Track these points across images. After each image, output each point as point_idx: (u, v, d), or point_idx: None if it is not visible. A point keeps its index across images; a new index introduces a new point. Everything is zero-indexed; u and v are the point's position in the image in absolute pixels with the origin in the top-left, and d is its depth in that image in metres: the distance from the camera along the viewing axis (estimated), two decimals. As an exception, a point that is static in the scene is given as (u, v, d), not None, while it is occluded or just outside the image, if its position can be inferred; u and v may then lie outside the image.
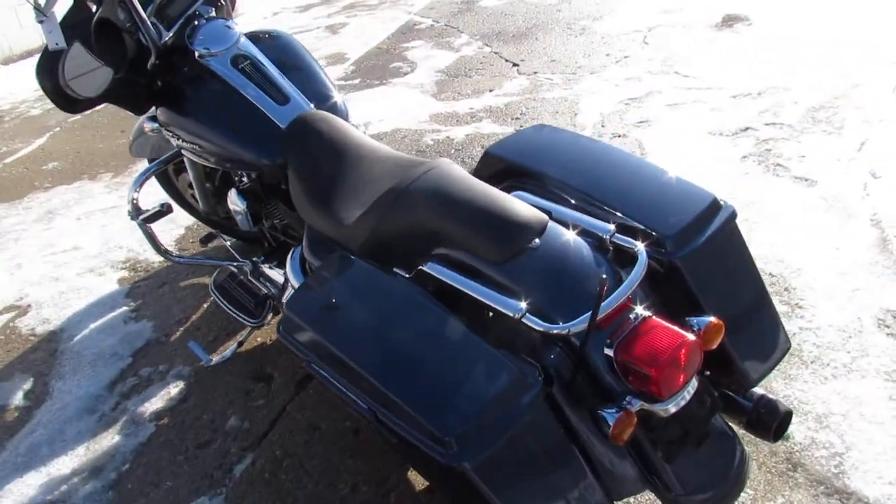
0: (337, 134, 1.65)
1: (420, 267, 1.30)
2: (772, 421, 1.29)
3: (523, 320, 1.13)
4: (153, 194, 2.30)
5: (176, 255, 2.11)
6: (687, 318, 1.19)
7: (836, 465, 1.53)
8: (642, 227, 1.26)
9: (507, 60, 4.40)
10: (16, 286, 2.60)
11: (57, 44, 1.47)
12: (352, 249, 1.42)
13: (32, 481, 1.75)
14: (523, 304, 1.14)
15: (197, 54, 1.75)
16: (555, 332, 1.10)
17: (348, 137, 1.64)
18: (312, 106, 1.74)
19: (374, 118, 3.75)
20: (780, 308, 1.97)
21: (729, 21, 4.44)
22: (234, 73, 1.73)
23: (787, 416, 1.30)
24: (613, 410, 1.10)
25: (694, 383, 1.15)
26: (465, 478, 1.01)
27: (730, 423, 1.29)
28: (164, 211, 1.95)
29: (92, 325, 2.31)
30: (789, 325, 1.93)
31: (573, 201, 1.35)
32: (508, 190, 1.42)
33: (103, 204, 3.13)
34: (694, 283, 1.24)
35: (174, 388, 2.00)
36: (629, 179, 1.37)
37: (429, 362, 1.11)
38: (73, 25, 1.62)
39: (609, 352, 1.13)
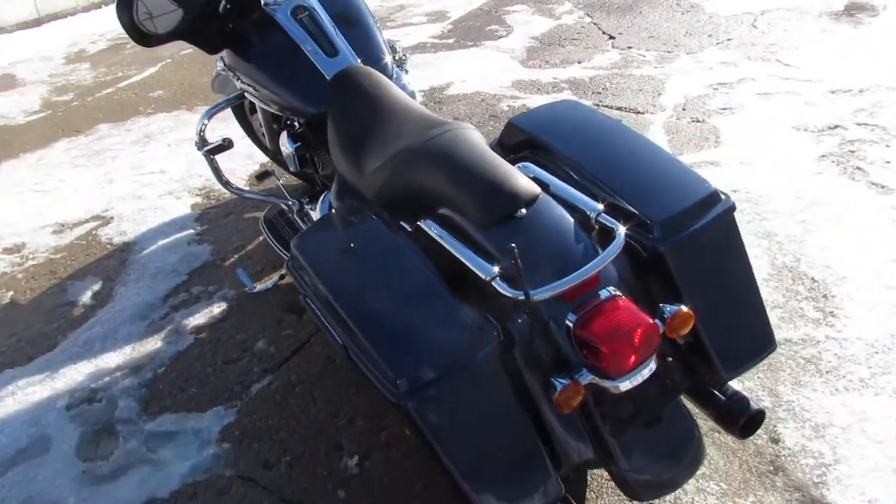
0: (376, 89, 1.72)
1: (419, 223, 1.37)
2: (739, 417, 1.29)
3: (493, 283, 1.18)
4: (230, 129, 2.48)
5: (236, 187, 2.27)
6: (661, 305, 1.21)
7: (820, 476, 1.50)
8: (633, 211, 1.27)
9: (604, 33, 4.32)
10: (105, 199, 2.87)
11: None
12: (368, 199, 1.51)
13: (83, 369, 1.98)
14: (496, 269, 1.20)
15: (263, 2, 1.87)
16: (519, 297, 1.15)
17: (386, 94, 1.72)
18: (360, 61, 1.82)
19: (457, 79, 3.80)
20: (811, 315, 1.91)
21: (852, 10, 4.14)
22: (292, 22, 1.83)
23: (757, 416, 1.30)
24: (564, 380, 1.15)
25: (652, 366, 1.17)
26: (410, 417, 1.10)
27: (691, 411, 1.30)
28: (224, 145, 2.11)
29: (160, 242, 2.54)
30: (815, 333, 1.87)
31: (576, 178, 1.38)
32: (518, 161, 1.46)
33: (194, 134, 3.37)
34: (677, 272, 1.25)
35: (217, 308, 2.18)
36: (635, 163, 1.38)
37: (397, 310, 1.19)
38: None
39: (570, 324, 1.17)
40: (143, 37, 1.80)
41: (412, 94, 2.02)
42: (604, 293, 1.19)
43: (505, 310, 1.22)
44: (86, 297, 2.29)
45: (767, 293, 2.02)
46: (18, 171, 3.18)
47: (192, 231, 2.61)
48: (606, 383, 1.15)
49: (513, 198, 1.26)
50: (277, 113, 1.92)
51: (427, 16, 5.05)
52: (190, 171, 3.02)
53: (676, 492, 1.50)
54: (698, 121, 3.09)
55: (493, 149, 1.57)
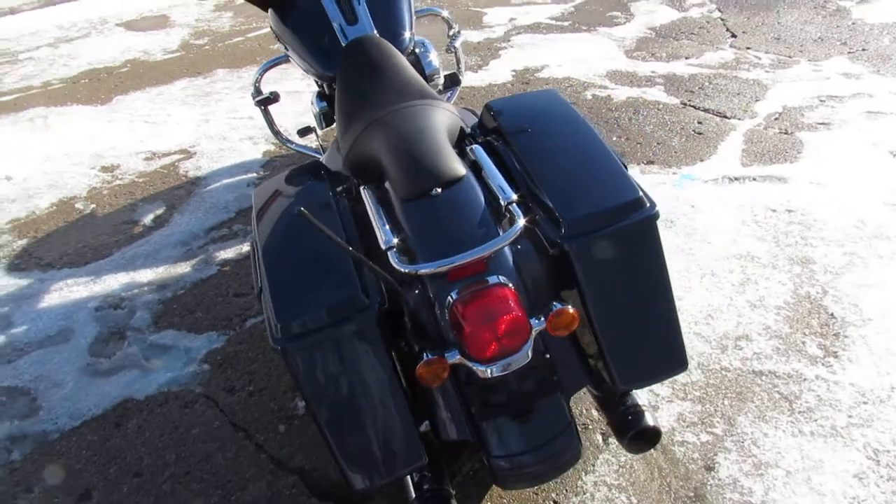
0: (380, 59, 1.79)
1: (361, 189, 1.45)
2: (627, 431, 1.27)
3: (388, 253, 1.24)
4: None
5: (284, 137, 2.45)
6: (553, 303, 1.21)
7: (736, 513, 1.43)
8: (549, 206, 1.27)
9: (727, 30, 4.07)
10: (196, 136, 3.18)
11: None
12: (341, 162, 1.61)
13: (120, 279, 2.26)
14: (395, 240, 1.25)
15: None
16: (404, 270, 1.20)
17: (388, 64, 1.78)
18: (376, 32, 1.89)
19: (553, 63, 3.76)
20: (811, 351, 1.79)
21: None
22: (326, -10, 1.94)
23: (649, 433, 1.27)
24: (433, 355, 1.19)
25: (523, 358, 1.18)
26: (284, 361, 1.19)
27: (572, 411, 1.30)
28: (271, 98, 2.29)
29: (225, 181, 2.79)
30: (806, 370, 1.74)
31: (516, 168, 1.39)
32: (471, 143, 1.48)
33: (292, 87, 3.61)
34: (581, 273, 1.24)
35: (247, 247, 2.39)
36: (573, 160, 1.36)
37: (299, 263, 1.27)
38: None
39: (450, 302, 1.20)
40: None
41: (435, 71, 2.07)
42: (492, 279, 1.21)
43: (403, 280, 1.28)
44: (147, 219, 2.58)
45: (773, 321, 1.90)
46: (139, 101, 3.58)
47: (255, 175, 2.84)
48: (474, 366, 1.18)
49: (431, 176, 1.30)
50: (304, 72, 2.05)
51: (555, -5, 4.99)
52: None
53: (581, 496, 1.49)
54: (786, 132, 2.88)
55: (473, 129, 1.61)
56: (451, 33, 2.48)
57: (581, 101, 3.29)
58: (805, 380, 1.72)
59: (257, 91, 2.30)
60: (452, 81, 2.45)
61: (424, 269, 1.18)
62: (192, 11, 5.01)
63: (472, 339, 1.14)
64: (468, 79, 3.65)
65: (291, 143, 2.49)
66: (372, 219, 1.33)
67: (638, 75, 3.54)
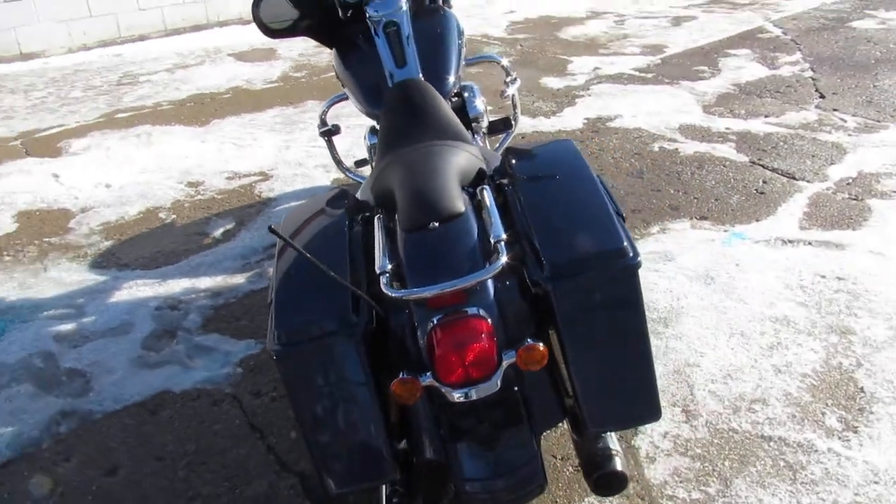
0: (420, 102, 1.92)
1: (374, 217, 1.56)
2: (593, 471, 1.30)
3: (381, 277, 1.34)
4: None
5: (345, 167, 2.62)
6: (526, 338, 1.27)
7: (710, 572, 1.41)
8: (537, 247, 1.34)
9: (816, 90, 3.98)
10: (275, 160, 3.43)
11: None
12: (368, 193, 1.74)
13: (182, 284, 2.47)
14: (389, 266, 1.35)
15: (367, 16, 2.17)
16: (391, 294, 1.29)
17: (427, 107, 1.90)
18: (421, 75, 2.03)
19: (627, 113, 3.79)
20: (829, 423, 1.74)
21: None
22: (381, 34, 2.10)
23: (615, 477, 1.29)
24: (409, 375, 1.27)
25: (492, 387, 1.24)
26: (277, 368, 1.31)
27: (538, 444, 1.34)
28: (333, 130, 2.47)
29: (293, 204, 3.00)
30: (820, 442, 1.69)
31: (517, 209, 1.46)
32: (481, 184, 1.57)
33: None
34: (559, 313, 1.29)
35: (299, 265, 2.55)
36: (570, 207, 1.42)
37: (304, 278, 1.40)
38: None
39: (428, 328, 1.29)
40: (267, 30, 2.20)
41: (479, 115, 2.18)
42: (471, 310, 1.28)
43: (396, 304, 1.37)
44: (217, 232, 2.81)
45: (795, 388, 1.85)
46: (232, 125, 3.90)
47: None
48: (444, 389, 1.25)
49: (430, 211, 1.39)
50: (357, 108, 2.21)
51: (643, 48, 5.03)
52: (348, 152, 3.46)
53: (557, 533, 1.52)
54: (855, 198, 2.78)
55: (495, 171, 1.70)
56: (507, 80, 2.59)
57: (646, 152, 3.31)
58: (816, 451, 1.67)
59: (322, 123, 2.49)
60: (504, 126, 2.55)
61: (407, 295, 1.28)
62: (298, 47, 5.39)
63: (441, 362, 1.22)
64: (539, 123, 3.74)
65: (350, 172, 2.66)
66: (375, 245, 1.44)
67: (711, 131, 3.52)
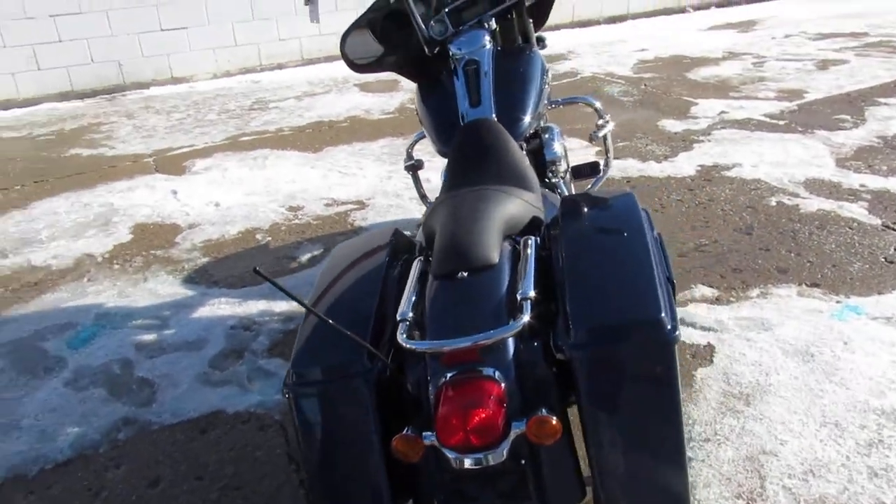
0: (487, 143, 1.86)
1: (414, 260, 1.52)
2: None
3: (399, 325, 1.29)
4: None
5: (428, 201, 2.61)
6: (541, 408, 1.17)
7: None
8: (567, 309, 1.24)
9: (977, 148, 3.52)
10: (374, 190, 3.48)
11: (314, 21, 2.05)
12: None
13: (260, 306, 2.54)
14: (411, 314, 1.30)
15: (451, 54, 2.15)
16: (404, 345, 1.23)
17: (493, 149, 1.84)
18: (494, 116, 1.97)
19: (748, 162, 3.53)
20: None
21: None
22: (460, 73, 2.07)
23: None
24: (413, 432, 1.21)
25: (497, 457, 1.15)
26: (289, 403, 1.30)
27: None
28: (416, 164, 2.47)
29: (381, 234, 3.02)
30: (911, 566, 1.44)
31: (558, 264, 1.36)
32: (532, 234, 1.48)
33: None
34: (582, 384, 1.18)
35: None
36: (611, 266, 1.30)
37: (331, 317, 1.37)
38: (372, 10, 2.19)
39: (439, 383, 1.22)
40: (353, 65, 2.23)
41: (556, 158, 2.09)
42: (486, 371, 1.20)
43: (414, 354, 1.31)
44: (305, 257, 2.88)
45: (892, 498, 1.59)
46: (342, 153, 4.02)
47: (408, 232, 3.02)
48: (444, 451, 1.17)
49: (461, 259, 1.33)
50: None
51: (779, 92, 4.69)
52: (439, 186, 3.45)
53: None
54: None
55: (552, 220, 1.61)
56: (599, 122, 2.48)
57: (761, 206, 3.04)
58: (904, 576, 1.42)
59: (408, 156, 2.50)
60: (592, 170, 2.44)
61: (418, 347, 1.21)
62: (421, 78, 5.50)
63: (442, 423, 1.14)
64: (648, 167, 3.55)
65: (433, 204, 2.64)
66: (406, 289, 1.40)
67: (842, 187, 3.18)
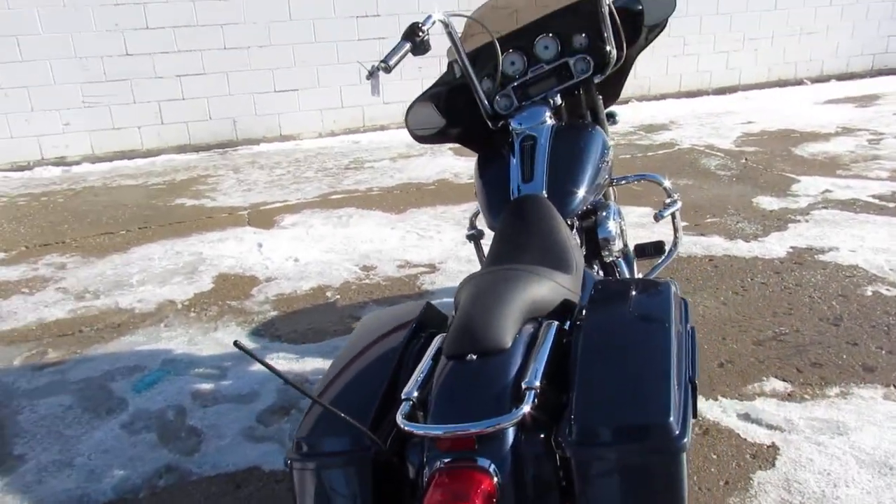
0: (531, 220, 1.84)
1: (438, 336, 1.49)
2: None
3: (403, 404, 1.27)
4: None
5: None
6: None
7: None
8: (572, 403, 1.17)
9: None
10: (447, 254, 3.50)
11: (375, 94, 2.11)
12: None
13: (316, 363, 2.57)
14: (416, 393, 1.28)
15: (511, 128, 2.15)
16: (402, 425, 1.21)
17: (536, 227, 1.81)
18: (544, 192, 1.94)
19: (844, 246, 3.28)
20: None
21: None
22: (517, 148, 2.07)
23: None
24: (401, 513, 1.17)
25: (478, 556, 1.09)
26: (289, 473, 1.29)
27: None
28: (478, 234, 2.47)
29: (445, 299, 3.02)
30: None
31: (577, 353, 1.30)
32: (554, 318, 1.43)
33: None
34: (579, 486, 1.11)
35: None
36: (627, 364, 1.23)
37: (341, 392, 1.37)
38: (438, 84, 2.25)
39: (433, 469, 1.17)
40: (417, 136, 2.28)
41: (609, 238, 2.02)
42: (482, 462, 1.15)
43: (414, 436, 1.28)
44: (367, 313, 2.91)
45: None
46: (424, 216, 4.09)
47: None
48: (426, 541, 1.13)
49: (471, 341, 1.29)
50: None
51: (894, 172, 4.37)
52: (519, 254, 3.42)
53: None
54: None
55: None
56: (667, 201, 2.39)
57: (855, 295, 2.81)
58: None
59: (471, 225, 2.50)
60: (655, 250, 2.35)
61: (415, 430, 1.18)
62: (514, 144, 5.55)
63: (422, 513, 1.10)
64: (734, 247, 3.37)
65: (493, 274, 2.62)
66: (417, 367, 1.37)
67: (953, 280, 2.89)
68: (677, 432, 1.09)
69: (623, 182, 2.47)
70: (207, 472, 2.05)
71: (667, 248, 2.39)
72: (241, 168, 5.34)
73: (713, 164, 4.84)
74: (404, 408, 1.23)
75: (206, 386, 2.46)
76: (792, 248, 3.32)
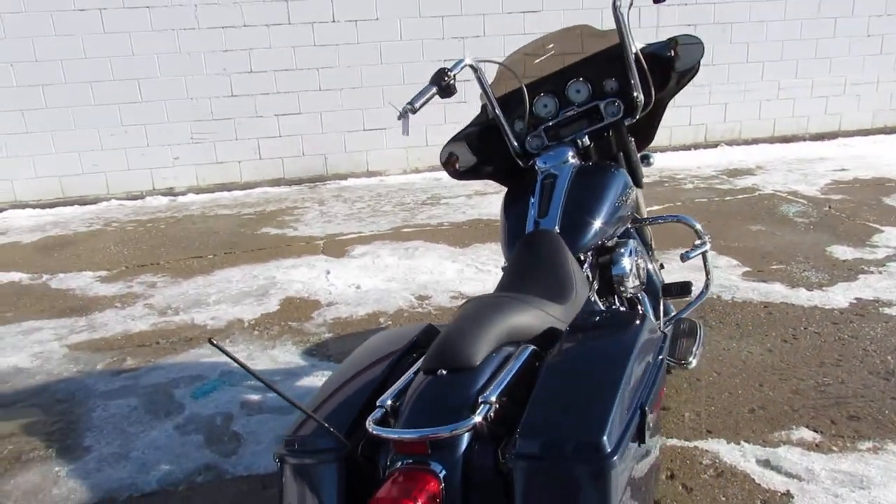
0: (539, 254, 1.93)
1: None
2: None
3: (375, 410, 1.39)
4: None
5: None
6: None
7: None
8: (521, 419, 1.26)
9: None
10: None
11: (405, 134, 2.26)
12: None
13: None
14: (389, 402, 1.40)
15: (537, 167, 2.26)
16: (368, 428, 1.33)
17: (542, 261, 1.90)
18: (557, 228, 2.03)
19: (890, 295, 3.12)
20: None
21: None
22: (539, 184, 2.17)
23: None
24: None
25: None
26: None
27: None
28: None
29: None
30: None
31: (539, 376, 1.39)
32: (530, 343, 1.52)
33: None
34: (517, 497, 1.19)
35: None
36: (580, 387, 1.32)
37: (334, 396, 1.51)
38: (471, 125, 2.40)
39: (390, 471, 1.29)
40: (451, 173, 2.43)
41: (623, 275, 2.07)
42: (434, 466, 1.26)
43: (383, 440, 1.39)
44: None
45: None
46: (486, 250, 4.21)
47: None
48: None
49: (444, 358, 1.41)
50: None
51: None
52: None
53: None
54: None
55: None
56: (696, 243, 2.41)
57: (913, 350, 2.68)
58: None
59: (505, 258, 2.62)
60: (682, 291, 2.37)
61: (379, 433, 1.31)
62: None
63: (373, 504, 1.21)
64: (794, 295, 3.29)
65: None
66: (399, 379, 1.50)
67: None
68: (608, 451, 1.16)
69: (660, 221, 2.51)
70: (241, 472, 2.24)
71: (696, 289, 2.40)
72: (326, 201, 5.68)
73: (792, 210, 4.70)
74: (375, 414, 1.36)
75: (254, 397, 2.68)
76: (856, 299, 3.19)
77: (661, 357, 1.50)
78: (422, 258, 4.14)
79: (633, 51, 2.22)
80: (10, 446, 2.45)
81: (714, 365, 2.69)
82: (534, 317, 1.60)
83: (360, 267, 4.06)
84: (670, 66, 2.27)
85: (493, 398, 1.31)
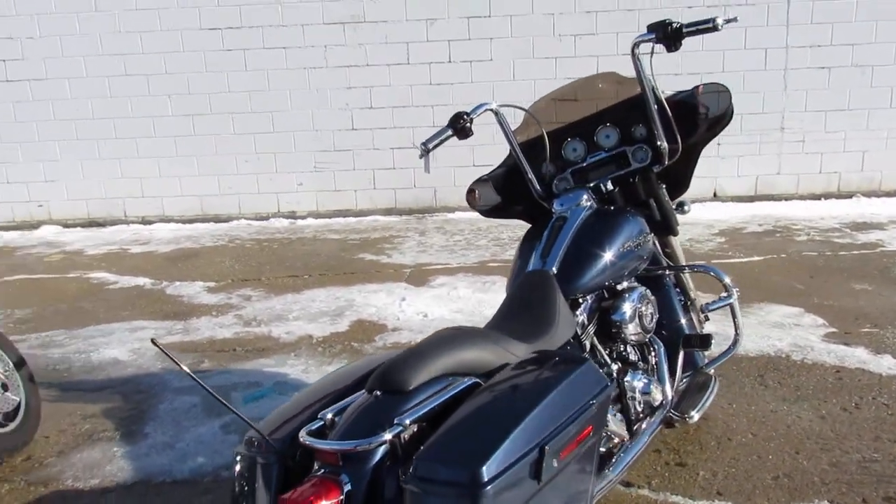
0: (529, 294, 1.98)
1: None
2: None
3: (314, 422, 1.51)
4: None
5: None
6: None
7: None
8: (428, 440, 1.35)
9: None
10: (560, 328, 3.60)
11: (427, 172, 2.37)
12: None
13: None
14: (329, 416, 1.52)
15: (553, 206, 2.31)
16: (300, 438, 1.45)
17: (530, 301, 1.96)
18: (554, 269, 2.06)
19: None
20: None
21: None
22: (550, 226, 2.21)
23: None
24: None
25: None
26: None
27: None
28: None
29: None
30: None
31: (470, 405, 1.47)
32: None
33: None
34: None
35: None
36: (490, 416, 1.38)
37: (308, 403, 1.64)
38: (499, 166, 2.49)
39: (309, 476, 1.41)
40: (474, 208, 2.53)
41: (623, 321, 2.06)
42: (343, 478, 1.36)
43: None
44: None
45: None
46: (560, 291, 4.21)
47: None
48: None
49: (382, 380, 1.51)
50: None
51: None
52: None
53: None
54: None
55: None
56: (722, 295, 2.35)
57: None
58: None
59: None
60: (701, 343, 2.30)
61: (304, 441, 1.44)
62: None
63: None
64: (873, 362, 3.02)
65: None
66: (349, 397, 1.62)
67: None
68: (483, 481, 1.22)
69: (686, 271, 2.46)
70: (262, 474, 2.43)
71: (720, 341, 2.32)
72: (428, 232, 5.91)
73: None
74: (312, 425, 1.50)
75: (296, 407, 2.88)
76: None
77: (592, 401, 1.51)
78: (495, 292, 4.21)
79: (657, 98, 2.22)
80: (87, 425, 2.82)
81: (753, 426, 2.55)
82: (490, 352, 1.66)
83: (434, 296, 4.21)
84: (696, 113, 2.25)
85: (408, 421, 1.40)
